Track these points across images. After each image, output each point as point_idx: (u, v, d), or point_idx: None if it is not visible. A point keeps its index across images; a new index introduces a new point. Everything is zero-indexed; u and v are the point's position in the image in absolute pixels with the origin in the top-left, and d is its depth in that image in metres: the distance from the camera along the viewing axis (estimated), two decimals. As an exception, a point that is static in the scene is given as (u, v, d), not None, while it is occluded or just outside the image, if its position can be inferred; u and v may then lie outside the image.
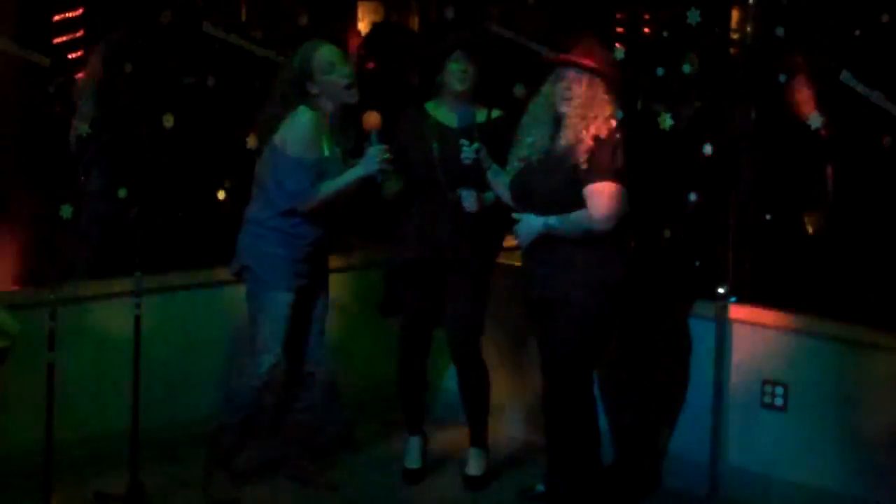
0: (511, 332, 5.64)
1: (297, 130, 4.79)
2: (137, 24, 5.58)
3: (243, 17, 6.22)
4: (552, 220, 4.53)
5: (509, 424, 5.87)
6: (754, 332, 5.19)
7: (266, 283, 4.86)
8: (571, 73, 4.59)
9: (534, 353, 4.98)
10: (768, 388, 5.12)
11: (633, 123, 5.35)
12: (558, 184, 4.56)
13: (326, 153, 4.86)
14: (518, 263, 5.09)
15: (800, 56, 5.29)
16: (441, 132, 5.08)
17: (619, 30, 6.30)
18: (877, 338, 4.86)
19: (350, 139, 5.02)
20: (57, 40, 5.42)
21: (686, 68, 5.38)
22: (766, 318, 5.16)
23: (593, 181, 4.50)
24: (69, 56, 5.49)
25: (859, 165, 5.38)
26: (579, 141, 4.52)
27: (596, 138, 4.52)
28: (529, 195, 4.67)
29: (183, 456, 5.32)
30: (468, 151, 4.80)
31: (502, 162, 4.86)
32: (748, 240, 5.30)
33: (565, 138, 4.57)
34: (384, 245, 5.43)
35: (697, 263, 5.49)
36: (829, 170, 5.48)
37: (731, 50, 5.66)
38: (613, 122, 4.57)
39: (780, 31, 5.17)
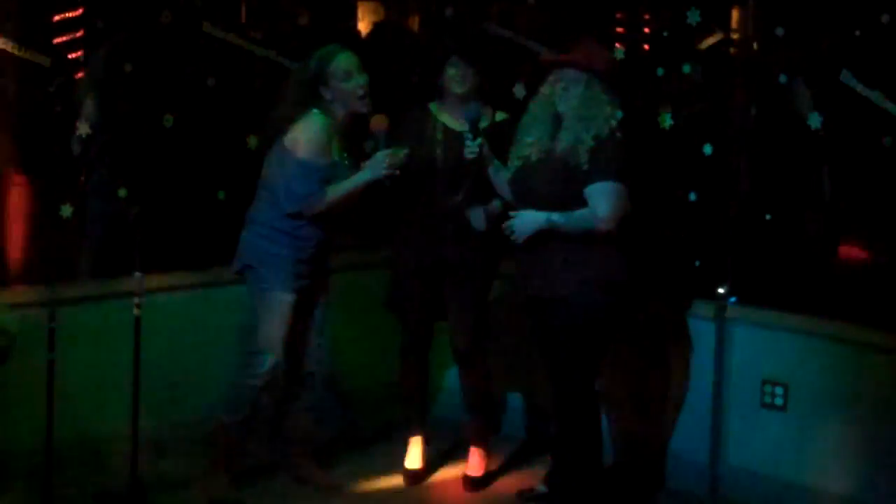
0: (511, 333, 5.63)
1: (309, 134, 4.79)
2: (137, 24, 5.58)
3: (243, 18, 6.22)
4: (555, 216, 4.52)
5: (509, 424, 5.87)
6: (754, 332, 5.19)
7: (268, 283, 4.86)
8: (570, 74, 4.59)
9: (534, 353, 4.97)
10: (768, 388, 5.12)
11: (634, 123, 5.35)
12: (559, 184, 4.56)
13: (335, 158, 4.87)
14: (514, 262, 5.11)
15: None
16: (446, 134, 5.08)
17: (619, 30, 6.31)
18: (877, 338, 4.86)
19: (361, 148, 5.03)
20: (57, 40, 5.42)
21: (686, 68, 5.39)
22: (766, 318, 5.16)
23: (595, 181, 4.51)
24: (69, 56, 5.49)
25: (858, 165, 5.38)
26: (580, 141, 4.52)
27: (597, 138, 4.52)
28: (529, 194, 4.66)
29: (183, 456, 5.31)
30: (471, 146, 4.79)
31: (505, 162, 4.86)
32: (748, 240, 5.30)
33: (566, 139, 4.57)
34: (382, 245, 5.43)
35: (697, 263, 5.49)
36: (826, 169, 5.48)
37: (731, 50, 5.67)
38: (613, 122, 4.57)
39: (779, 31, 5.17)
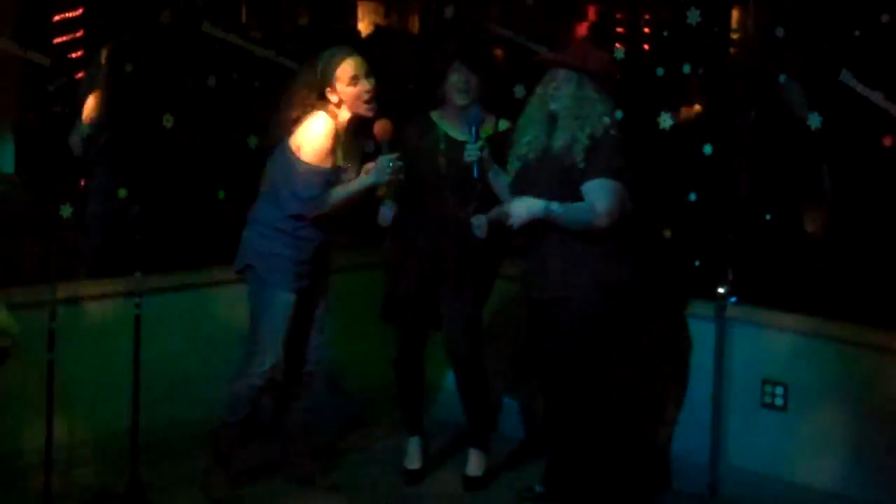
0: (511, 333, 5.63)
1: (314, 137, 4.79)
2: (137, 24, 5.58)
3: (243, 18, 6.22)
4: (554, 205, 4.52)
5: (509, 424, 5.87)
6: (754, 332, 5.19)
7: (269, 283, 4.86)
8: (562, 73, 4.60)
9: (532, 355, 4.97)
10: (768, 388, 5.12)
11: (634, 123, 5.36)
12: (556, 182, 4.57)
13: (339, 162, 4.87)
14: (513, 265, 5.11)
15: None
16: (448, 145, 5.07)
17: (619, 30, 6.32)
18: (877, 338, 4.86)
19: (360, 149, 5.03)
20: (57, 40, 5.42)
21: (686, 68, 5.39)
22: (766, 318, 5.16)
23: (592, 178, 4.51)
24: (69, 56, 5.49)
25: (857, 165, 5.38)
26: (576, 140, 4.53)
27: (592, 137, 4.54)
28: (528, 194, 4.67)
29: (183, 456, 5.31)
30: (472, 150, 4.79)
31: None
32: (748, 240, 5.30)
33: (561, 137, 4.58)
34: (381, 245, 5.43)
35: (697, 263, 5.49)
36: (826, 167, 5.49)
37: (731, 50, 5.67)
38: (607, 120, 4.58)
39: (779, 32, 5.17)
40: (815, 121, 5.06)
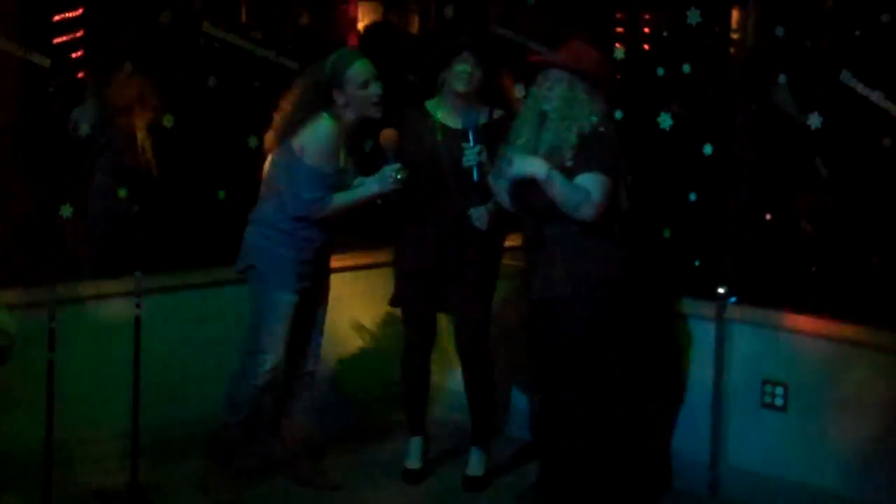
0: (511, 333, 5.63)
1: (318, 139, 4.78)
2: (137, 24, 5.58)
3: (243, 18, 6.22)
4: (555, 172, 4.51)
5: (509, 424, 5.87)
6: (754, 332, 5.19)
7: (271, 284, 4.86)
8: (554, 73, 4.62)
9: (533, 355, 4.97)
10: (768, 388, 5.12)
11: (634, 123, 5.36)
12: None
13: (342, 164, 4.87)
14: (518, 263, 5.12)
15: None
16: (445, 134, 5.07)
17: (619, 30, 6.32)
18: (877, 338, 4.86)
19: (361, 150, 5.03)
20: (57, 40, 5.42)
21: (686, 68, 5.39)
22: (766, 318, 5.16)
23: (582, 173, 4.51)
24: (69, 56, 5.49)
25: (857, 165, 5.39)
26: (563, 140, 4.55)
27: (580, 135, 4.55)
28: (525, 196, 4.68)
29: (183, 456, 5.31)
30: (470, 155, 4.80)
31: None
32: (748, 240, 5.30)
33: (547, 139, 4.60)
34: (383, 245, 5.43)
35: (697, 263, 5.49)
36: (820, 160, 5.49)
37: (731, 50, 5.67)
38: (595, 119, 4.59)
39: (779, 32, 5.17)
40: (814, 121, 5.06)
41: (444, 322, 5.35)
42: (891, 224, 5.30)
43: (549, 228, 4.63)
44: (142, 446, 4.91)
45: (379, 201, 4.94)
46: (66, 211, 5.19)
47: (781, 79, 5.30)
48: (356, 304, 5.92)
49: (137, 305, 4.81)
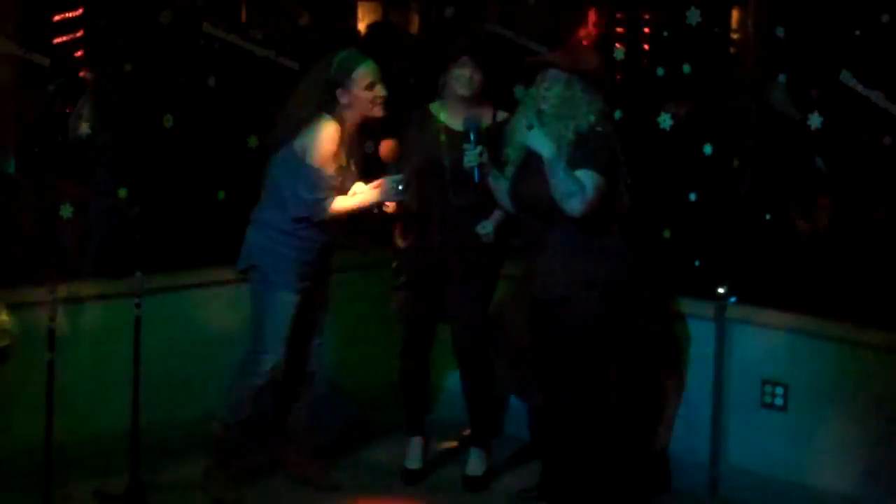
0: (516, 334, 5.63)
1: (320, 140, 4.79)
2: (137, 24, 5.58)
3: (243, 18, 6.22)
4: (557, 161, 4.50)
5: (509, 424, 5.87)
6: (754, 332, 5.19)
7: (273, 284, 4.87)
8: (552, 74, 4.62)
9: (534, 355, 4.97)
10: (768, 388, 5.12)
11: (634, 123, 5.36)
12: (546, 183, 4.57)
13: (343, 165, 4.87)
14: (517, 264, 5.12)
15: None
16: (448, 136, 5.07)
17: (619, 30, 6.32)
18: (877, 338, 4.86)
19: (363, 151, 5.04)
20: (57, 40, 5.42)
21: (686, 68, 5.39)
22: (766, 318, 5.16)
23: (578, 169, 4.51)
24: (69, 56, 5.49)
25: (857, 165, 5.39)
26: (561, 138, 4.55)
27: (578, 134, 4.55)
28: (524, 196, 4.69)
29: (183, 456, 5.31)
30: (471, 156, 4.80)
31: (501, 161, 4.86)
32: (748, 240, 5.30)
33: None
34: (381, 245, 5.43)
35: (697, 263, 5.49)
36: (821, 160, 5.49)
37: (731, 50, 5.68)
38: (592, 118, 4.59)
39: (780, 32, 5.18)
40: (814, 121, 5.07)
41: (443, 323, 5.34)
42: (891, 224, 5.30)
43: (549, 229, 4.63)
44: (142, 446, 4.90)
45: (376, 210, 4.94)
46: (66, 211, 5.20)
47: (781, 78, 5.30)
48: (356, 304, 5.92)
49: (137, 305, 4.81)
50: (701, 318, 5.29)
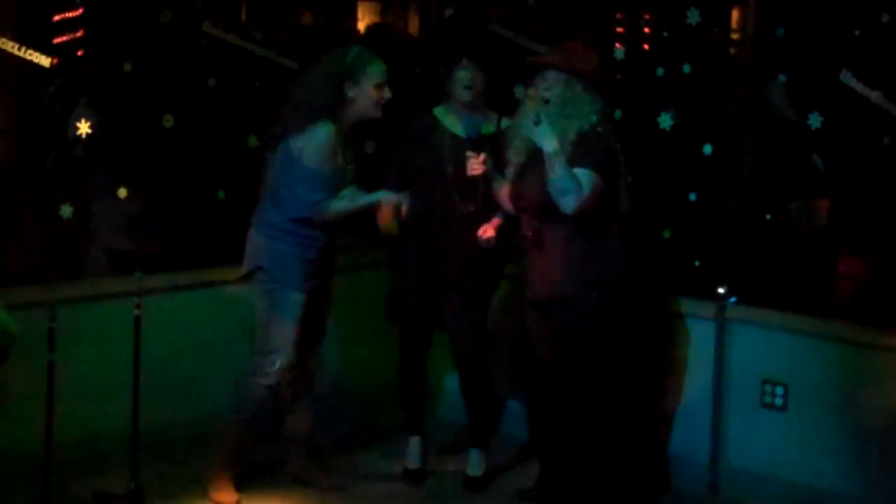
0: (514, 334, 5.63)
1: (317, 141, 4.78)
2: (137, 24, 5.59)
3: (243, 17, 6.22)
4: (560, 157, 4.48)
5: (509, 424, 5.87)
6: (754, 332, 5.19)
7: (280, 284, 4.86)
8: (550, 75, 4.63)
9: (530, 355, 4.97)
10: (768, 388, 5.12)
11: (634, 123, 5.36)
12: (545, 183, 4.57)
13: (341, 165, 4.87)
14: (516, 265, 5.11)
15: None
16: (452, 141, 5.07)
17: (619, 30, 6.32)
18: (877, 338, 4.86)
19: (362, 151, 5.04)
20: (57, 40, 5.42)
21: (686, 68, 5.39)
22: (766, 318, 5.16)
23: (576, 167, 4.51)
24: (69, 56, 5.49)
25: (856, 165, 5.39)
26: (563, 136, 4.55)
27: (579, 133, 4.55)
28: (524, 197, 4.69)
29: (183, 456, 5.31)
30: (475, 164, 4.79)
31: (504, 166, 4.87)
32: (748, 240, 5.30)
33: None
34: (381, 245, 5.43)
35: (697, 263, 5.49)
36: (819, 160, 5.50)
37: (731, 50, 5.68)
38: (595, 118, 4.59)
39: (780, 32, 5.18)
40: (814, 121, 5.07)
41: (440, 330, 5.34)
42: (890, 224, 5.30)
43: (549, 229, 4.63)
44: (142, 446, 4.90)
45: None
46: (66, 211, 5.19)
47: (781, 78, 5.30)
48: (356, 304, 5.91)
49: (137, 305, 4.81)
50: (701, 318, 5.29)
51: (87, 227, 5.57)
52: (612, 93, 4.91)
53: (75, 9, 5.48)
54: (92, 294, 5.31)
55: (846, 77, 4.97)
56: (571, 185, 4.47)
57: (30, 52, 5.00)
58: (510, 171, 4.80)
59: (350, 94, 4.81)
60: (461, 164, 4.88)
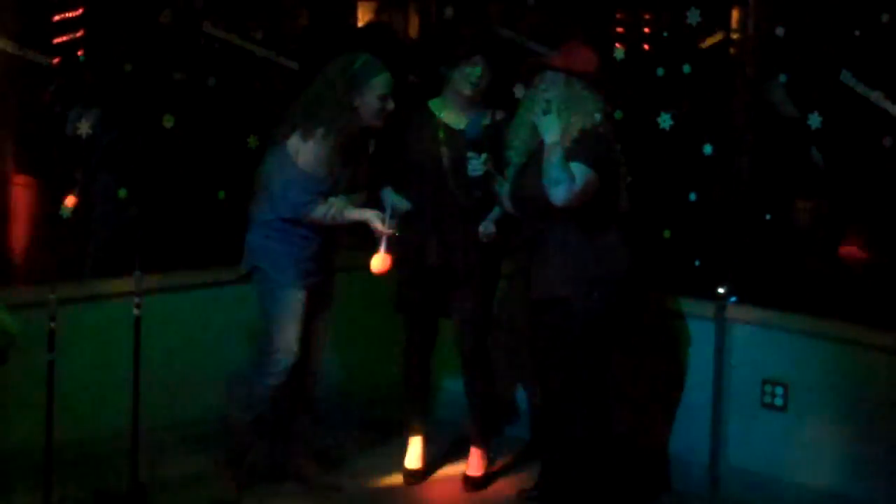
0: (511, 333, 5.64)
1: (314, 145, 4.78)
2: (137, 23, 5.58)
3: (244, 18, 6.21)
4: (558, 148, 4.49)
5: (509, 424, 5.87)
6: (754, 332, 5.19)
7: (278, 282, 4.86)
8: (550, 75, 4.63)
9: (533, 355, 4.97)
10: (768, 388, 5.12)
11: (634, 123, 5.37)
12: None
13: (336, 168, 4.87)
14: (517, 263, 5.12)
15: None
16: (448, 134, 5.07)
17: (619, 30, 6.31)
18: (877, 338, 4.86)
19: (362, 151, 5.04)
20: (57, 40, 5.42)
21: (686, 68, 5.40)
22: (766, 318, 5.16)
23: (573, 161, 4.52)
24: (69, 56, 5.49)
25: (856, 164, 5.39)
26: (566, 131, 4.55)
27: (581, 131, 4.57)
28: (523, 197, 4.69)
29: (183, 456, 5.31)
30: (476, 164, 4.80)
31: (502, 162, 4.87)
32: (748, 240, 5.30)
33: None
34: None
35: (697, 263, 5.49)
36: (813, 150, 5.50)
37: (731, 50, 5.68)
38: (598, 117, 4.60)
39: (780, 32, 5.18)
40: (814, 121, 5.07)
41: (444, 322, 5.34)
42: (890, 223, 5.30)
43: (549, 229, 4.64)
44: (142, 446, 4.90)
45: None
46: (66, 211, 5.20)
47: (781, 78, 5.30)
48: (356, 304, 5.91)
49: (137, 305, 4.81)
50: (701, 318, 5.29)
51: (87, 227, 5.57)
52: (613, 93, 4.91)
53: (75, 9, 5.47)
54: (92, 294, 5.31)
55: (846, 77, 4.97)
56: (563, 177, 4.48)
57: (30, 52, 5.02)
58: (510, 172, 4.81)
59: (354, 102, 4.82)
60: (455, 156, 4.88)
